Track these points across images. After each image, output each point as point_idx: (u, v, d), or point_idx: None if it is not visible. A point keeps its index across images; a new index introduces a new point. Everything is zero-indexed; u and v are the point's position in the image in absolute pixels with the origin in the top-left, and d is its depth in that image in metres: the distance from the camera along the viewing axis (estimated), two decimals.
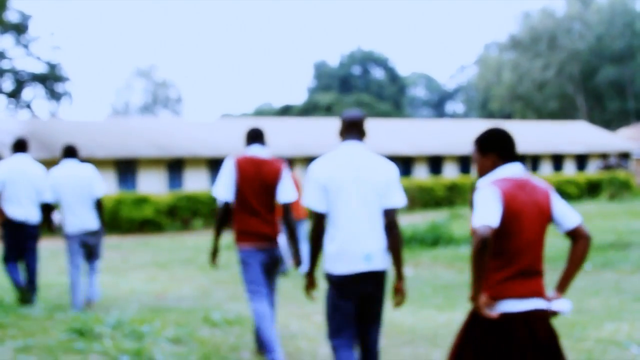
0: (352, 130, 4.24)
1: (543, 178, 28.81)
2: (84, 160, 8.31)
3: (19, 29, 22.84)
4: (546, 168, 31.53)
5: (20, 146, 7.92)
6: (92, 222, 7.70)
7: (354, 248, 4.07)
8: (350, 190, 4.12)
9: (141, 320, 6.72)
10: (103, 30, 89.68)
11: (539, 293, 3.25)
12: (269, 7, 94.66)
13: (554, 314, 3.32)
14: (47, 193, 7.76)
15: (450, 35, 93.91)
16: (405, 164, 28.13)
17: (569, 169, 32.05)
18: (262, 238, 5.42)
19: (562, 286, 3.32)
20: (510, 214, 3.16)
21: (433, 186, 26.00)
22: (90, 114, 78.15)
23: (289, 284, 9.34)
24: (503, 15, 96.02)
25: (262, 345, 5.45)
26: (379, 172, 4.17)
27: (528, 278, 3.22)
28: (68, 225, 7.65)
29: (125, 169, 23.22)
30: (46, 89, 23.79)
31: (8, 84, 23.22)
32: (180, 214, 21.13)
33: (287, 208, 5.51)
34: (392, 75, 63.12)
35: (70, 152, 7.82)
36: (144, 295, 8.81)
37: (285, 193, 5.50)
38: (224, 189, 5.43)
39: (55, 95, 23.90)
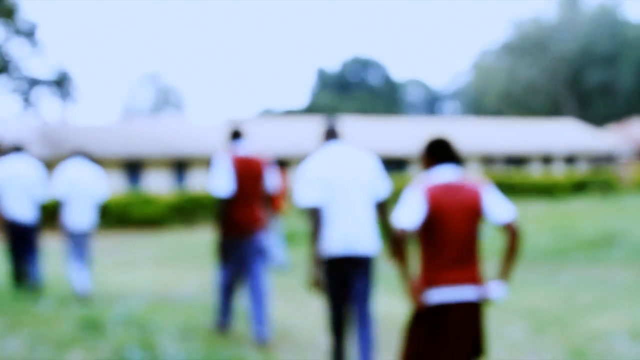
0: (332, 135, 4.91)
1: (532, 176, 28.91)
2: (93, 160, 8.65)
3: (29, 34, 23.14)
4: (535, 166, 31.51)
5: (17, 147, 8.23)
6: (90, 221, 8.06)
7: (341, 235, 4.64)
8: (340, 185, 4.66)
9: (147, 314, 6.98)
10: (110, 36, 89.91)
11: (468, 280, 3.77)
12: (271, 15, 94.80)
13: (487, 299, 3.82)
14: (51, 191, 8.10)
15: (445, 42, 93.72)
16: (399, 162, 28.26)
17: (558, 167, 32.03)
18: (248, 229, 5.88)
19: (501, 275, 3.85)
20: (435, 212, 3.76)
21: None
22: (99, 117, 78.39)
23: (287, 278, 9.59)
24: (496, 23, 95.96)
25: (221, 321, 6.07)
26: (364, 166, 4.78)
27: (457, 266, 3.75)
28: (69, 224, 7.98)
29: (132, 169, 23.61)
30: (56, 93, 24.07)
31: (19, 88, 23.49)
32: (185, 213, 21.49)
33: (271, 199, 6.20)
34: (389, 81, 64.12)
35: (78, 153, 8.17)
36: (150, 290, 9.02)
37: (271, 185, 6.09)
38: (226, 185, 5.79)
39: (64, 99, 24.19)
